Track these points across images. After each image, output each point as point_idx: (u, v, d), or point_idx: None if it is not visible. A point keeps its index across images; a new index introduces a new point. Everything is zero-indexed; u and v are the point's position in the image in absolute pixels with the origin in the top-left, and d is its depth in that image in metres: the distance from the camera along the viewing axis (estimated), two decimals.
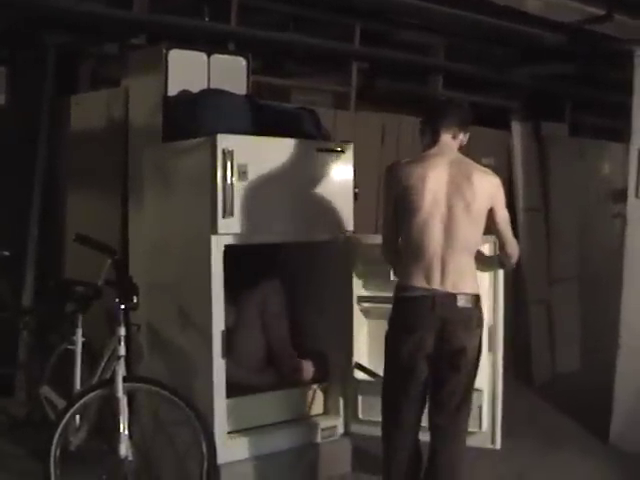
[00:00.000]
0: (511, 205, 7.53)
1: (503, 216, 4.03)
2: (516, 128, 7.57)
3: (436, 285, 3.86)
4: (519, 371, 7.54)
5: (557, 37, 6.42)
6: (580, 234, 8.20)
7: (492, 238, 4.23)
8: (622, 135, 6.25)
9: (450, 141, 4.04)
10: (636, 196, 5.69)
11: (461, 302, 3.88)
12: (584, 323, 8.09)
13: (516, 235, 7.52)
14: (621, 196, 6.10)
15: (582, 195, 8.31)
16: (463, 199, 3.86)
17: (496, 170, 7.42)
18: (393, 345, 3.99)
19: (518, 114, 7.76)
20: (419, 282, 3.87)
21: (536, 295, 7.61)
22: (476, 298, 3.95)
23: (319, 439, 4.77)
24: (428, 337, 3.86)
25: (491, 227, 4.01)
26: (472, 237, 3.94)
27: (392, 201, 4.00)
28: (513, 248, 4.12)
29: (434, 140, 4.03)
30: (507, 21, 6.11)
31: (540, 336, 7.63)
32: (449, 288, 3.87)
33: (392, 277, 4.34)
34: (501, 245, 4.15)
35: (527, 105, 8.08)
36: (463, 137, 4.09)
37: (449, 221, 3.85)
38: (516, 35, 6.49)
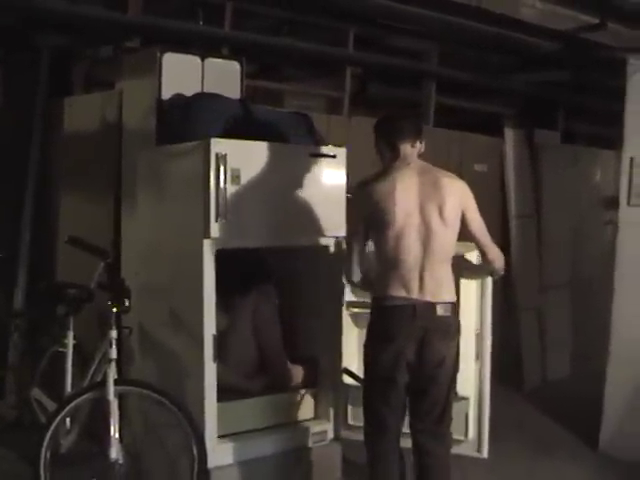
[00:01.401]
0: (503, 212, 7.58)
1: (476, 220, 4.02)
2: (509, 135, 7.59)
3: (415, 294, 3.88)
4: (509, 377, 7.55)
5: (551, 45, 6.44)
6: (572, 241, 8.22)
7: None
8: (614, 143, 6.26)
9: (410, 150, 4.05)
10: (628, 203, 5.71)
11: (440, 311, 3.90)
12: (575, 330, 8.11)
13: (508, 242, 7.61)
14: (613, 203, 6.12)
15: (574, 202, 8.33)
16: (435, 207, 3.89)
17: (488, 177, 7.53)
18: (373, 354, 4.01)
19: (511, 121, 7.78)
20: (398, 292, 3.89)
21: (527, 302, 7.62)
22: (454, 306, 3.98)
23: (309, 444, 4.77)
24: (409, 346, 3.88)
25: (467, 234, 4.00)
26: (448, 244, 3.95)
27: (362, 219, 4.06)
28: (494, 253, 4.07)
29: (395, 154, 4.05)
30: (502, 29, 6.13)
31: (531, 343, 7.64)
32: (428, 297, 3.88)
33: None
34: (481, 252, 4.10)
35: (520, 112, 8.10)
36: (420, 145, 4.10)
37: (424, 230, 3.88)
38: (510, 42, 6.50)
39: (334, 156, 4.71)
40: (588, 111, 8.85)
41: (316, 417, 4.90)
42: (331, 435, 4.86)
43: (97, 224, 5.35)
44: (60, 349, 4.85)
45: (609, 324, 5.76)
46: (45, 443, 4.03)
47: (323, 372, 4.89)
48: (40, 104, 6.04)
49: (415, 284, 3.88)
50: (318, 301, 4.87)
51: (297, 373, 4.92)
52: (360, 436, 4.23)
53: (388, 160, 4.07)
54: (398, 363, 3.89)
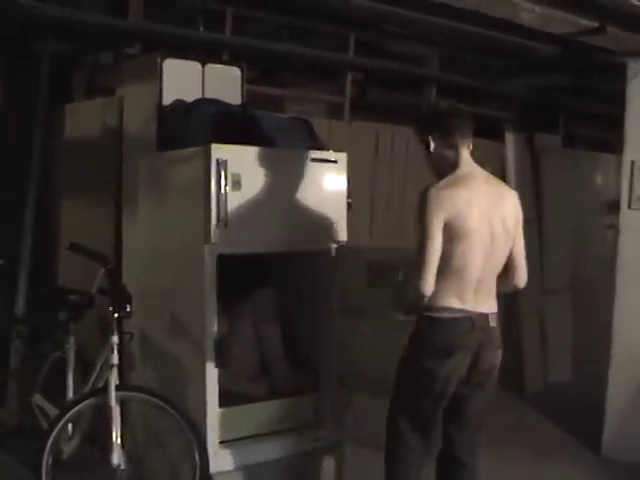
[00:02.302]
0: None
1: (521, 236, 3.86)
2: (510, 139, 7.59)
3: (470, 306, 3.68)
4: (511, 381, 7.54)
5: (551, 49, 6.44)
6: (573, 245, 8.22)
7: None
8: (615, 146, 6.27)
9: (467, 153, 3.82)
10: (629, 207, 5.72)
11: (493, 322, 3.76)
12: (576, 333, 8.10)
13: None
14: (614, 207, 6.11)
15: (575, 206, 8.34)
16: (500, 219, 3.71)
17: None
18: (428, 370, 3.69)
19: (512, 125, 7.78)
20: (453, 302, 3.67)
21: (528, 305, 7.61)
22: (499, 315, 3.83)
23: (310, 449, 4.77)
24: (466, 359, 3.69)
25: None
26: (505, 257, 3.80)
27: (440, 228, 3.57)
28: (523, 278, 3.92)
29: (456, 157, 3.78)
30: (502, 33, 6.13)
31: (532, 346, 7.64)
32: (482, 309, 3.72)
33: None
34: (509, 271, 3.86)
35: (521, 116, 8.10)
36: (471, 147, 3.85)
37: (490, 244, 3.68)
38: (510, 47, 6.50)
39: (335, 161, 4.71)
40: (589, 115, 8.85)
41: (317, 422, 4.89)
42: (332, 440, 4.85)
43: (98, 230, 5.35)
44: (61, 355, 4.85)
45: (610, 327, 5.77)
46: (47, 449, 4.03)
47: (323, 377, 4.89)
48: (41, 110, 6.04)
49: (470, 294, 3.68)
50: (320, 306, 4.86)
51: (298, 378, 4.91)
52: (360, 442, 4.22)
53: (449, 165, 3.77)
54: (453, 378, 3.69)
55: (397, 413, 3.85)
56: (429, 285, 3.54)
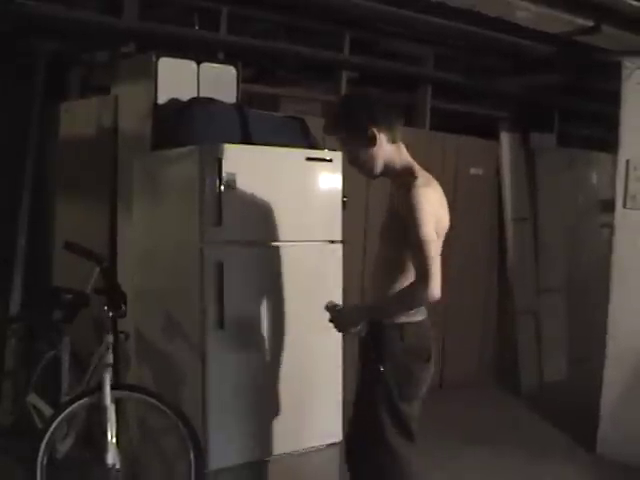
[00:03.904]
0: (499, 215, 7.60)
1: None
2: (505, 138, 7.61)
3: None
4: (506, 380, 7.56)
5: (546, 48, 6.45)
6: (568, 244, 8.24)
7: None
8: (610, 146, 6.27)
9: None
10: (624, 206, 5.72)
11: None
12: (571, 333, 8.12)
13: (504, 245, 7.63)
14: (609, 206, 6.12)
15: (570, 205, 8.36)
16: (448, 217, 3.57)
17: (484, 180, 7.54)
18: (418, 374, 3.56)
19: (507, 124, 7.79)
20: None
21: (523, 304, 7.63)
22: None
23: (307, 448, 4.76)
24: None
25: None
26: None
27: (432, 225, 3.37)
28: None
29: (398, 148, 3.54)
30: (497, 32, 6.13)
31: (527, 346, 7.65)
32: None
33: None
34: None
35: (516, 115, 8.11)
36: None
37: (442, 243, 3.53)
38: (506, 46, 6.50)
39: (330, 160, 4.71)
40: (584, 114, 8.86)
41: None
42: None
43: (93, 229, 5.35)
44: (56, 354, 4.85)
45: (605, 327, 5.77)
46: (42, 448, 4.01)
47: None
48: (36, 109, 6.04)
49: None
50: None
51: None
52: None
53: (394, 162, 3.52)
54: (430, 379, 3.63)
55: (384, 431, 3.57)
56: (439, 288, 3.32)
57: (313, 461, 4.75)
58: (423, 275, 3.30)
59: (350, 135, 3.51)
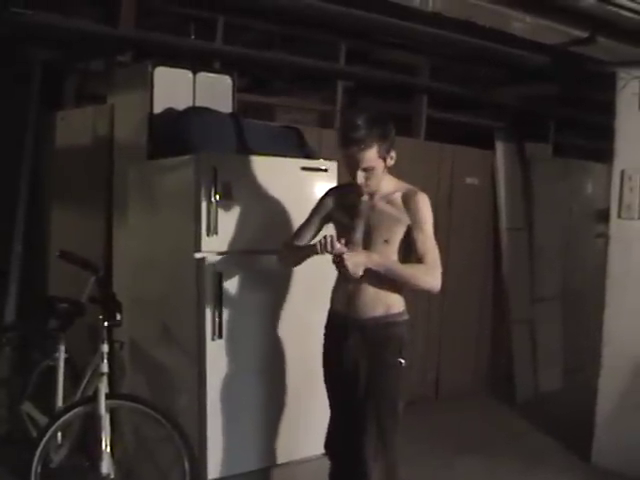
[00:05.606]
0: (494, 224, 7.60)
1: None
2: (500, 148, 7.61)
3: None
4: (501, 389, 7.55)
5: (542, 58, 6.46)
6: (563, 254, 8.24)
7: None
8: (605, 156, 6.29)
9: None
10: (619, 216, 5.73)
11: None
12: (567, 342, 8.12)
13: (499, 254, 7.64)
14: (604, 216, 6.13)
15: (565, 215, 8.36)
16: None
17: (480, 189, 7.54)
18: (404, 372, 3.79)
19: (502, 134, 7.80)
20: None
21: (519, 314, 7.63)
22: None
23: (299, 458, 4.75)
24: None
25: None
26: None
27: None
28: None
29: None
30: (492, 42, 6.14)
31: (522, 355, 7.64)
32: None
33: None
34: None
35: (511, 125, 8.12)
36: None
37: None
38: (501, 56, 6.52)
39: (326, 170, 4.72)
40: (579, 124, 8.87)
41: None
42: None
43: (88, 238, 5.35)
44: (51, 363, 4.84)
45: (601, 336, 5.78)
46: (36, 457, 4.01)
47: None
48: (32, 117, 6.04)
49: None
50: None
51: None
52: None
53: (387, 176, 3.80)
54: None
55: (394, 430, 3.81)
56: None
57: (312, 470, 4.73)
58: (433, 263, 3.61)
59: (380, 149, 3.64)
